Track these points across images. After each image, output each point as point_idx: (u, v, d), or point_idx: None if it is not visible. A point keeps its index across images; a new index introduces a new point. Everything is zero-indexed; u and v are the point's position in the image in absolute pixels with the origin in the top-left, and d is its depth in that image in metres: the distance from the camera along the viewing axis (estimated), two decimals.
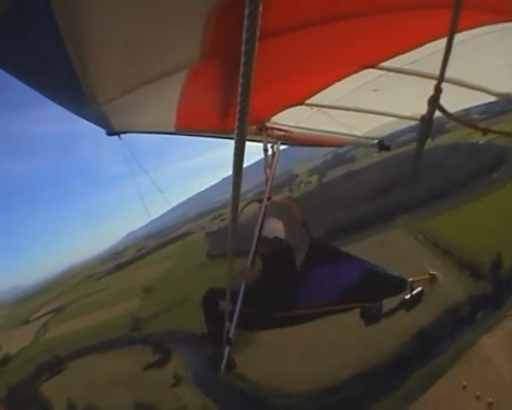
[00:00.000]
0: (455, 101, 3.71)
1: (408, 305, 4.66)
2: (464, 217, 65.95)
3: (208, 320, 4.63)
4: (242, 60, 1.30)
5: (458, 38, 2.46)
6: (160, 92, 2.82)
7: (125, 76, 2.48)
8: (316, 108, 4.27)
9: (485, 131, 2.32)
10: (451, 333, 47.36)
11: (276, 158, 4.73)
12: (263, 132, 4.53)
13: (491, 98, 3.78)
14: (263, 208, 4.51)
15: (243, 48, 1.27)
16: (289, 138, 4.89)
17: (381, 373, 45.12)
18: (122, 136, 3.54)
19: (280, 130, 4.71)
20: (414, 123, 4.57)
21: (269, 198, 4.60)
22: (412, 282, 4.67)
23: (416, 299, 4.66)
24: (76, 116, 3.14)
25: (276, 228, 4.61)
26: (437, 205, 75.08)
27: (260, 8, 1.19)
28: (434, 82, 1.78)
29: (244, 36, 1.24)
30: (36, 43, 1.97)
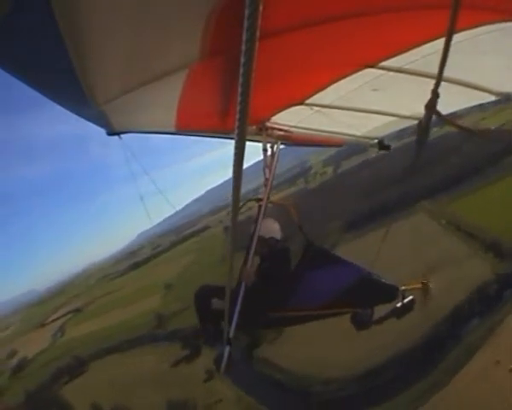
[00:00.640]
0: (455, 101, 3.72)
1: (399, 313, 4.67)
2: (483, 201, 67.02)
3: (201, 318, 4.63)
4: (242, 60, 1.30)
5: (459, 37, 2.47)
6: (160, 92, 2.82)
7: (125, 76, 2.48)
8: (316, 108, 4.27)
9: (481, 137, 2.32)
10: (481, 312, 48.52)
11: (275, 158, 4.73)
12: (263, 132, 4.53)
13: (492, 98, 3.78)
14: (263, 208, 4.52)
15: (243, 48, 1.27)
16: (289, 138, 4.89)
17: (416, 355, 46.04)
18: (123, 137, 3.54)
19: (280, 130, 4.72)
20: (414, 122, 4.57)
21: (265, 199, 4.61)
22: (404, 290, 4.68)
23: (408, 307, 4.67)
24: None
25: (272, 228, 4.61)
26: (456, 190, 76.11)
27: (260, 8, 1.19)
28: (434, 82, 1.78)
29: (244, 36, 1.24)
30: (36, 43, 1.97)
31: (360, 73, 3.36)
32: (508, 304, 47.65)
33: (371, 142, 5.53)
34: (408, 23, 2.60)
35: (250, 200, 4.70)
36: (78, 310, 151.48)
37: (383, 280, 4.59)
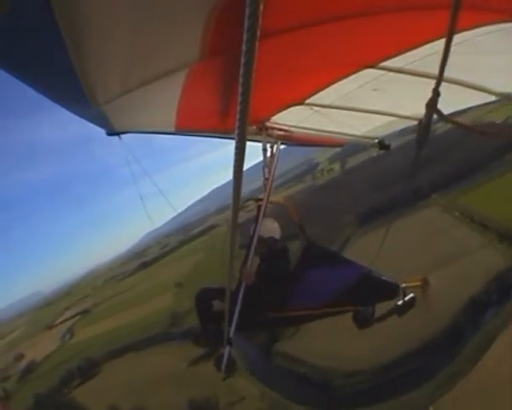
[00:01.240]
0: (455, 101, 3.72)
1: (400, 310, 4.68)
2: (494, 193, 68.06)
3: (202, 320, 4.63)
4: (243, 60, 1.30)
5: (459, 38, 2.47)
6: (160, 92, 2.82)
7: (125, 76, 2.48)
8: (316, 108, 4.27)
9: (482, 134, 2.32)
10: (498, 300, 49.29)
11: (275, 158, 4.73)
12: (263, 132, 4.53)
13: (492, 98, 3.78)
14: (263, 208, 4.52)
15: (244, 48, 1.27)
16: (289, 138, 4.89)
17: (437, 344, 46.69)
18: (124, 137, 3.54)
19: (280, 130, 4.71)
20: (414, 122, 4.57)
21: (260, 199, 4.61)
22: (405, 288, 4.69)
23: (409, 304, 4.68)
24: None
25: (271, 228, 4.61)
26: (466, 183, 77.07)
27: (261, 8, 1.19)
28: (434, 82, 1.78)
29: (244, 36, 1.24)
30: (36, 43, 1.96)
31: (360, 73, 3.36)
32: None
33: (371, 142, 5.53)
34: (408, 23, 2.60)
35: (250, 200, 4.70)
36: (86, 311, 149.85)
37: (384, 278, 4.60)
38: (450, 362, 43.91)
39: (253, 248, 4.39)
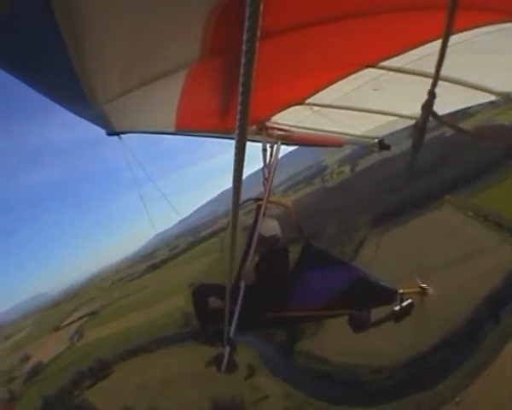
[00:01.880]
0: (456, 101, 3.72)
1: (397, 316, 4.65)
2: (506, 192, 70.13)
3: (198, 316, 4.64)
4: (243, 60, 1.30)
5: (459, 37, 2.47)
6: (160, 92, 2.82)
7: (125, 76, 2.48)
8: (316, 108, 4.27)
9: (477, 138, 2.32)
10: None
11: (275, 158, 4.73)
12: (263, 132, 4.53)
13: (492, 97, 3.78)
14: (263, 208, 4.52)
15: (244, 48, 1.27)
16: (289, 138, 4.89)
17: (460, 338, 48.76)
18: (126, 138, 3.54)
19: (280, 130, 4.72)
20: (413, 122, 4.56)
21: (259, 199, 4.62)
22: (402, 293, 4.67)
23: (406, 311, 4.65)
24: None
25: (272, 227, 4.61)
26: (477, 184, 78.83)
27: (261, 8, 1.19)
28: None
29: (245, 36, 1.24)
30: (36, 43, 1.96)
31: (360, 72, 3.36)
32: None
33: (371, 141, 5.53)
34: (408, 23, 2.60)
35: (249, 200, 4.70)
36: (94, 313, 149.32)
37: (381, 283, 4.59)
38: (472, 355, 45.69)
39: (252, 247, 4.40)
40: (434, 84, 1.74)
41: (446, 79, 3.22)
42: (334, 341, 53.36)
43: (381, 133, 5.42)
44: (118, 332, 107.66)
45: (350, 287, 4.37)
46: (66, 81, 2.34)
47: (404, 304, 4.63)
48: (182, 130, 4.22)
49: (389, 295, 4.59)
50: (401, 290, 4.66)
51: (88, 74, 2.24)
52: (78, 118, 3.07)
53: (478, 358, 45.40)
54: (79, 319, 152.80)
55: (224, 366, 4.17)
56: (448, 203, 77.72)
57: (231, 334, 4.11)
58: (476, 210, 71.05)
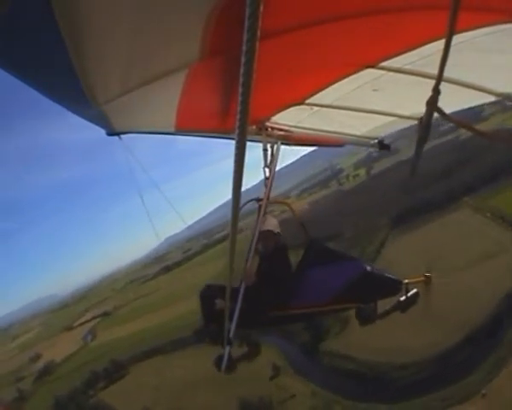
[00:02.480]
0: (456, 101, 3.72)
1: (403, 306, 4.67)
2: None
3: (205, 317, 4.64)
4: (243, 60, 1.30)
5: (460, 38, 2.47)
6: (160, 92, 2.82)
7: (125, 76, 2.48)
8: (316, 108, 4.27)
9: (483, 136, 2.31)
10: None
11: (275, 158, 4.73)
12: (263, 132, 4.53)
13: (493, 98, 3.78)
14: (263, 207, 4.53)
15: (244, 48, 1.27)
16: (289, 138, 4.90)
17: (483, 334, 50.10)
18: (125, 138, 3.55)
19: (280, 130, 4.72)
20: (414, 123, 4.57)
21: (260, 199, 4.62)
22: (407, 284, 4.68)
23: (412, 301, 4.67)
24: None
25: (275, 224, 4.63)
26: (494, 186, 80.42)
27: (261, 8, 1.19)
28: (434, 82, 1.78)
29: (245, 36, 1.24)
30: (36, 43, 1.96)
31: (360, 73, 3.36)
32: None
33: (371, 141, 5.53)
34: (408, 24, 2.60)
35: (251, 200, 4.70)
36: (107, 314, 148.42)
37: (386, 274, 4.60)
38: (495, 349, 47.26)
39: (253, 247, 4.40)
40: (439, 81, 1.74)
41: (447, 80, 3.21)
42: (359, 339, 53.89)
43: (381, 134, 5.42)
44: (132, 333, 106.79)
45: (355, 281, 4.37)
46: (66, 81, 2.34)
47: (410, 294, 4.64)
48: (182, 130, 4.22)
49: (394, 286, 4.61)
50: (406, 281, 4.67)
51: (88, 74, 2.24)
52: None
53: (499, 353, 47.00)
54: (92, 319, 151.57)
55: (223, 366, 4.17)
56: (466, 205, 79.40)
57: (231, 334, 4.11)
58: (494, 211, 72.61)
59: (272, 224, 4.55)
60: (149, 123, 4.00)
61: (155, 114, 3.67)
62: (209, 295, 4.61)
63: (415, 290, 4.68)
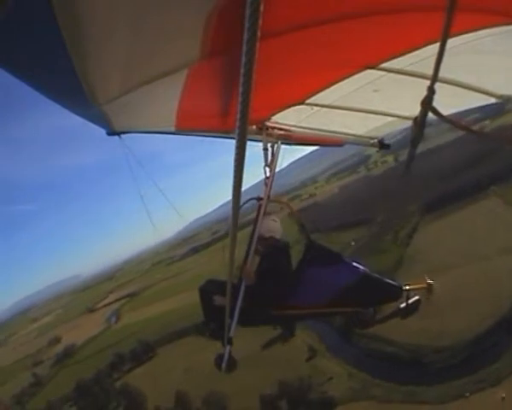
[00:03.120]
0: (456, 102, 3.72)
1: (403, 313, 4.59)
2: None
3: (204, 313, 4.65)
4: (243, 60, 1.30)
5: (461, 39, 2.47)
6: (160, 92, 2.82)
7: (126, 76, 2.48)
8: (316, 108, 4.27)
9: (479, 135, 2.31)
10: None
11: (276, 157, 4.74)
12: (263, 132, 4.53)
13: (492, 100, 3.78)
14: (263, 207, 4.53)
15: (244, 48, 1.27)
16: (290, 138, 4.90)
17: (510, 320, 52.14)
18: (126, 139, 3.55)
19: (280, 129, 4.72)
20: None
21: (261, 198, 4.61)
22: (409, 290, 4.60)
23: (413, 308, 4.58)
24: None
25: (272, 227, 4.61)
26: None
27: (261, 8, 1.19)
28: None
29: (245, 36, 1.24)
30: (36, 43, 1.96)
31: (361, 73, 3.36)
32: None
33: (371, 141, 5.54)
34: (408, 24, 2.60)
35: (251, 199, 4.70)
36: (133, 295, 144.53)
37: (386, 280, 4.57)
38: None
39: (253, 247, 4.40)
40: (434, 80, 1.74)
41: (447, 81, 3.21)
42: (397, 322, 55.83)
43: (381, 134, 5.42)
44: (160, 315, 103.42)
45: (354, 284, 4.35)
46: (66, 81, 2.34)
47: (411, 301, 4.55)
48: (182, 130, 4.22)
49: (394, 292, 4.55)
50: (406, 287, 4.62)
51: (88, 74, 2.24)
52: None
53: None
54: (116, 300, 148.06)
55: (224, 365, 4.18)
56: (494, 194, 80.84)
57: (231, 333, 4.11)
58: None
59: (266, 227, 4.53)
60: (149, 123, 4.01)
61: (155, 114, 3.67)
62: (208, 290, 4.61)
63: (416, 297, 4.61)
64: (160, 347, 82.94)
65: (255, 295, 4.19)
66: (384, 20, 2.45)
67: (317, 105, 4.18)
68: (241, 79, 1.33)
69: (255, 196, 4.69)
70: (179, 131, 4.20)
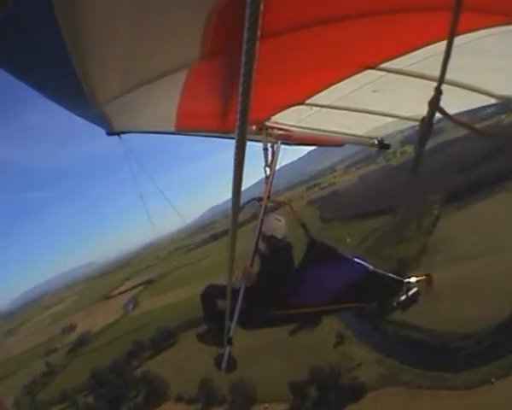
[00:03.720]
0: (456, 103, 3.72)
1: (403, 306, 4.67)
2: None
3: (207, 317, 4.64)
4: (243, 60, 1.30)
5: (460, 39, 2.47)
6: (160, 92, 2.81)
7: (125, 76, 2.48)
8: (316, 108, 4.27)
9: (483, 135, 2.31)
10: None
11: (276, 157, 4.74)
12: (263, 132, 4.53)
13: (493, 100, 3.78)
14: (263, 207, 4.53)
15: (244, 47, 1.27)
16: (289, 138, 4.90)
17: None
18: (125, 139, 3.55)
19: (280, 129, 4.72)
20: (414, 123, 4.57)
21: (265, 198, 4.61)
22: (408, 283, 4.67)
23: (412, 300, 4.65)
24: None
25: (274, 226, 4.61)
26: None
27: (261, 8, 1.19)
28: (435, 84, 1.78)
29: (245, 36, 1.24)
30: (36, 43, 1.96)
31: (361, 73, 3.36)
32: None
33: (371, 141, 5.54)
34: (409, 25, 2.60)
35: (253, 199, 4.70)
36: (151, 282, 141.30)
37: (387, 274, 4.60)
38: None
39: (254, 247, 4.40)
40: (441, 81, 1.74)
41: (447, 82, 3.21)
42: (424, 309, 56.53)
43: (381, 133, 5.43)
44: (179, 301, 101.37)
45: (357, 280, 4.37)
46: (66, 81, 2.34)
47: (410, 293, 4.63)
48: (182, 130, 4.22)
49: (396, 286, 4.60)
50: (407, 280, 4.67)
51: (88, 74, 2.24)
52: None
53: None
54: (133, 287, 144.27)
55: (224, 365, 4.17)
56: (506, 189, 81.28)
57: (231, 334, 4.11)
58: None
59: (268, 226, 4.53)
60: (149, 123, 4.01)
61: (155, 114, 3.67)
62: (211, 295, 4.60)
63: (415, 289, 4.68)
64: (181, 333, 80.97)
65: (256, 296, 4.19)
66: (384, 20, 2.45)
67: (316, 105, 4.18)
68: (241, 79, 1.33)
69: (256, 196, 4.69)
70: (179, 131, 4.20)
